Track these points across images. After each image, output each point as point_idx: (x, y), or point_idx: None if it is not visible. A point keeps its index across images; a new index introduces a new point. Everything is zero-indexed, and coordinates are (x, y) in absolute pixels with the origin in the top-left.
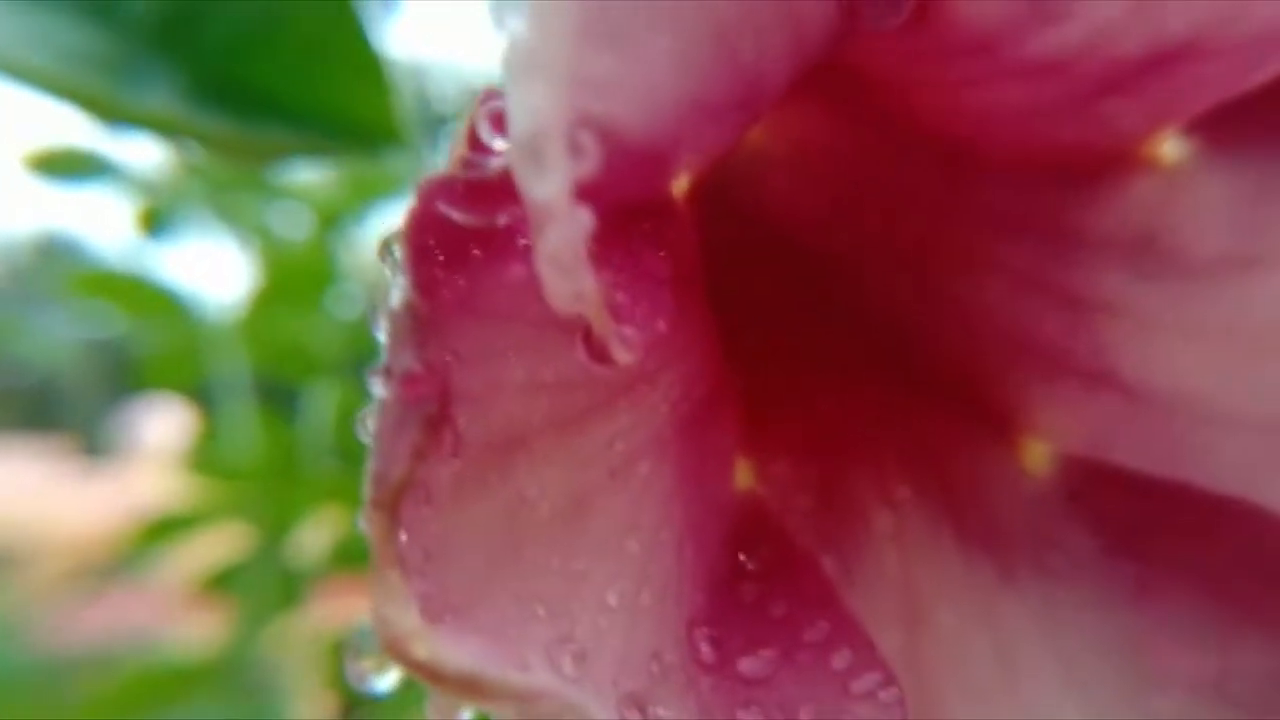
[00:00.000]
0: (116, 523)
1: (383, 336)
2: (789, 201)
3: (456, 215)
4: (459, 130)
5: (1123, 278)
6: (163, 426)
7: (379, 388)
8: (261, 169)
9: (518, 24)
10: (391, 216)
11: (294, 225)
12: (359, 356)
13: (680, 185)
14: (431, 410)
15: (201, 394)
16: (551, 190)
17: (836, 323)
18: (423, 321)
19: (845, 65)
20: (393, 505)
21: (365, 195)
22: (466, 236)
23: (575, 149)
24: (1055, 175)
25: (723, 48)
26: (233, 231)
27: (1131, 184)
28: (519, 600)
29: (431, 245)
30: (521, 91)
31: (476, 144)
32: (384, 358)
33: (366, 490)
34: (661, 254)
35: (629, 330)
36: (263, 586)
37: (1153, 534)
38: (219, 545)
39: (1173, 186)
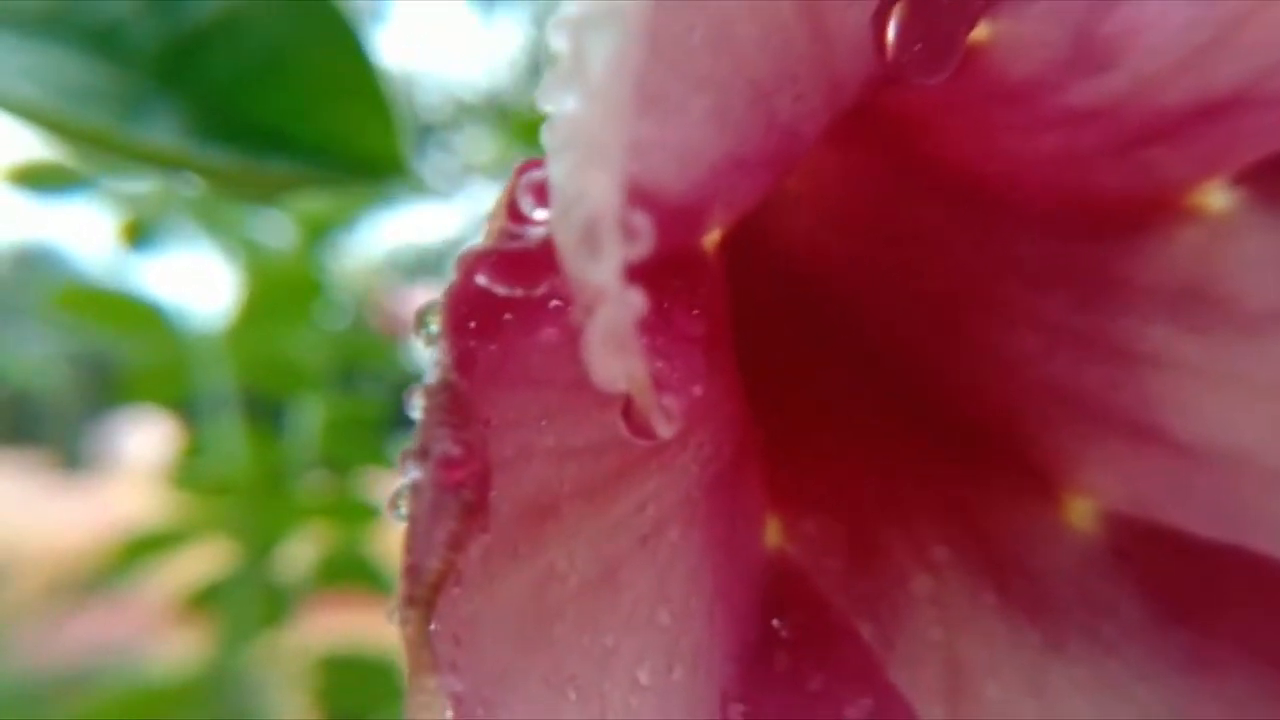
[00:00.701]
0: (97, 538)
1: (417, 414)
2: (816, 245)
3: (498, 288)
4: (498, 201)
5: (1169, 329)
6: (146, 440)
7: (413, 470)
8: (268, 202)
9: (572, 103)
10: (377, 228)
11: (280, 237)
12: (346, 369)
13: (712, 239)
14: (469, 497)
15: (186, 408)
16: (604, 274)
17: (865, 373)
18: (462, 401)
19: (876, 108)
20: (429, 601)
21: (351, 207)
22: (502, 305)
23: (629, 232)
24: (1095, 223)
25: (760, 106)
26: (218, 243)
27: (1177, 234)
28: (550, 684)
29: (469, 318)
30: (574, 173)
31: (517, 215)
32: (419, 437)
33: (400, 586)
34: (694, 312)
35: (670, 400)
36: (247, 603)
37: (1207, 600)
38: (203, 561)
39: (1220, 237)
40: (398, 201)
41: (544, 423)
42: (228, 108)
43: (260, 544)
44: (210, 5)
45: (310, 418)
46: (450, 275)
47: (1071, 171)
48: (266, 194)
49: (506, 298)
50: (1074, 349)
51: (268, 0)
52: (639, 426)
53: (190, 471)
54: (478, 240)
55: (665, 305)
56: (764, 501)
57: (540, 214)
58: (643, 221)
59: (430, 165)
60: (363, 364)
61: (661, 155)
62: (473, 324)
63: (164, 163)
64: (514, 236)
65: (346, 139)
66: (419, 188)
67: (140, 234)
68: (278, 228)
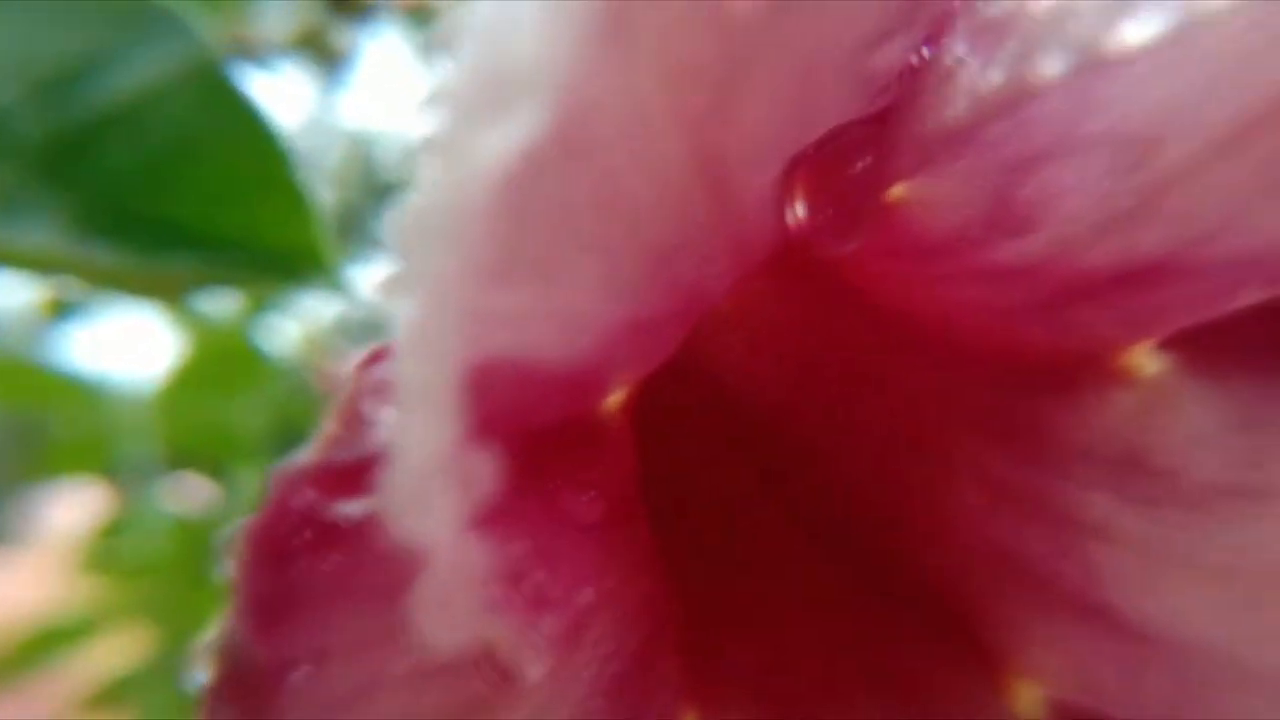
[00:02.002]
0: (9, 621)
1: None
2: (749, 375)
3: (325, 506)
4: (336, 402)
5: (1111, 499)
6: (73, 513)
7: None
8: (171, 300)
9: (409, 308)
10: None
11: (220, 301)
12: (289, 436)
13: (614, 400)
14: None
15: (113, 478)
16: (436, 527)
17: (802, 523)
18: (253, 676)
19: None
20: None
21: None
22: (330, 525)
23: (467, 478)
24: (1032, 375)
25: (659, 269)
26: (153, 309)
27: (1111, 396)
28: None
29: (288, 540)
30: (403, 416)
31: (354, 419)
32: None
33: None
34: (587, 494)
35: (549, 622)
36: (163, 695)
37: None
38: (118, 649)
39: (1154, 403)
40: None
41: (391, 647)
42: (123, 202)
43: (180, 631)
44: (108, 94)
45: (247, 487)
46: (265, 498)
47: (1002, 322)
48: (168, 294)
49: (334, 515)
50: (1017, 510)
51: (171, 88)
52: (498, 675)
53: (107, 553)
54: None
55: (552, 491)
56: (679, 694)
57: (381, 416)
58: (486, 463)
59: (388, 223)
60: (306, 431)
61: (543, 325)
62: (293, 545)
63: (44, 266)
64: (346, 444)
65: (257, 234)
66: (338, 285)
67: (62, 309)
68: (217, 294)
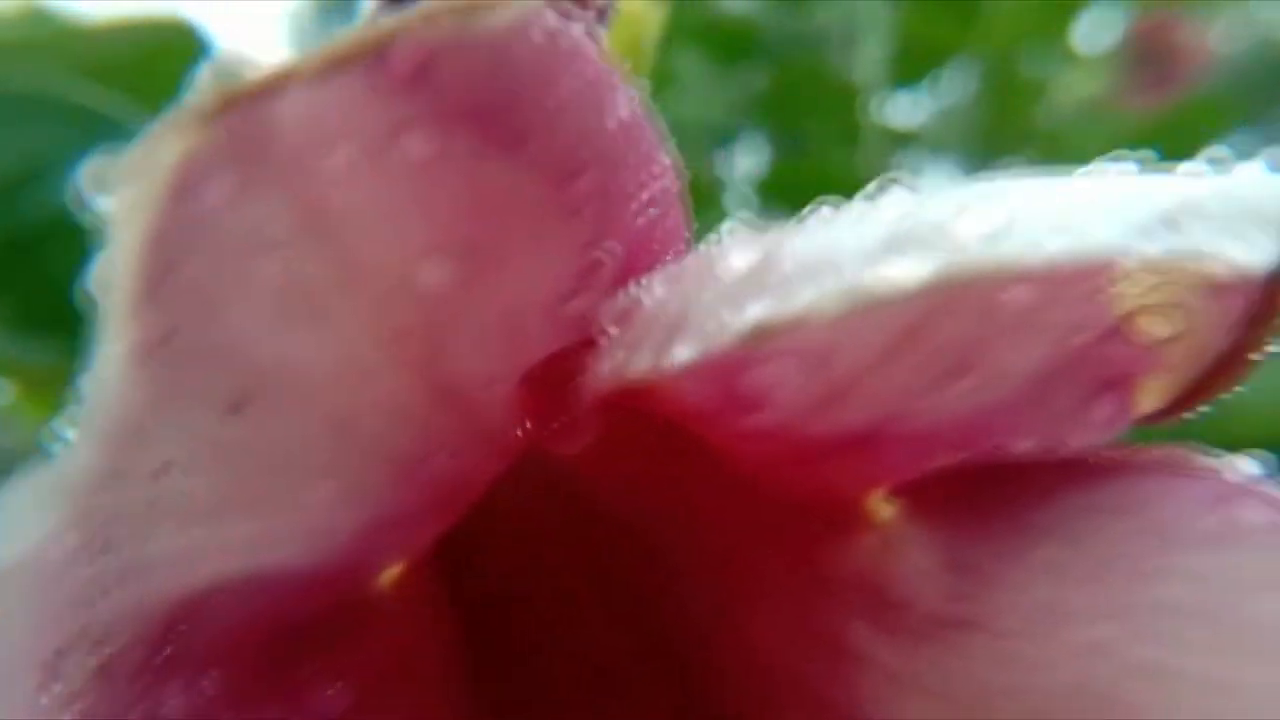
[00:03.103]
0: None
1: None
2: (578, 504)
3: None
4: None
5: (867, 628)
6: None
7: None
8: None
9: None
10: None
11: None
12: None
13: (389, 576)
14: None
15: None
16: None
17: (618, 639)
18: None
19: None
20: None
21: None
22: None
23: None
24: (808, 516)
25: (405, 479)
26: None
27: (858, 536)
28: None
29: None
30: None
31: None
32: None
33: None
34: (334, 685)
35: None
36: None
37: None
38: None
39: (888, 543)
40: None
41: None
42: (62, 305)
43: None
44: (51, 201)
45: None
46: None
47: (773, 470)
48: None
49: None
50: (800, 637)
51: None
52: None
53: None
54: None
55: (298, 689)
56: None
57: None
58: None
59: None
60: None
61: (280, 544)
62: None
63: None
64: None
65: None
66: None
67: None
68: None
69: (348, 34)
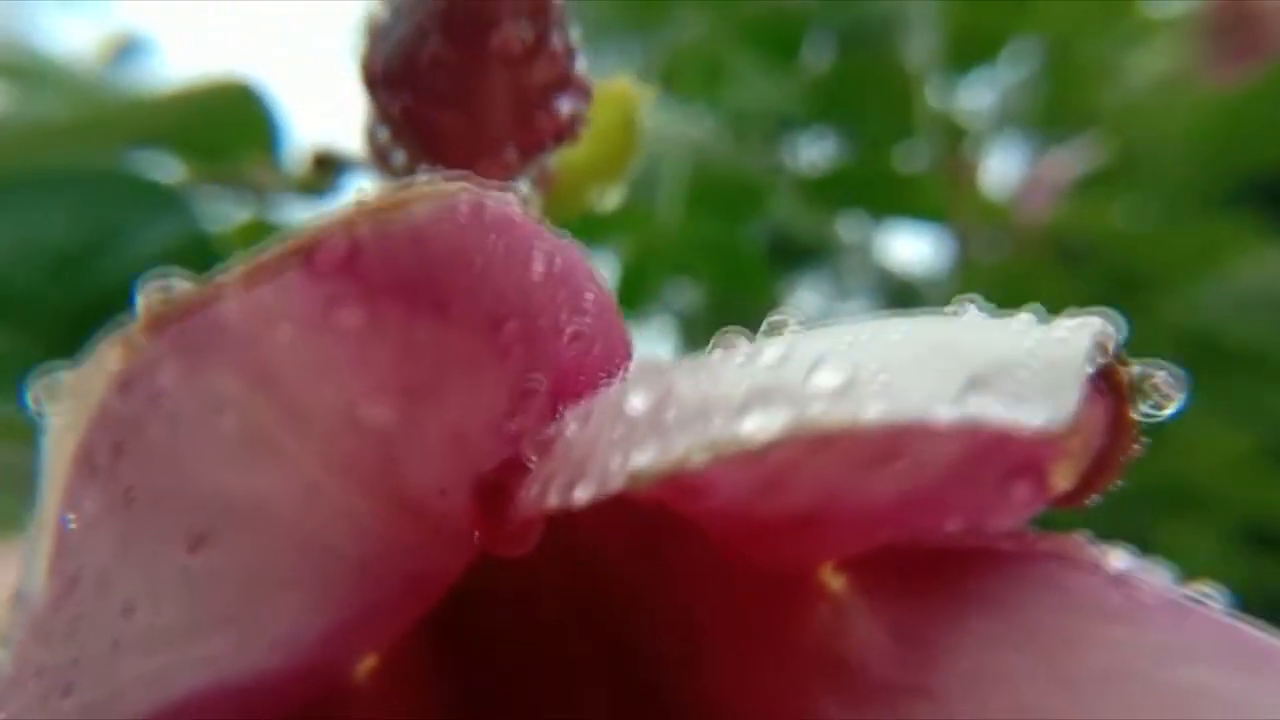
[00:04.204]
0: None
1: None
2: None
3: None
4: None
5: (824, 693)
6: None
7: None
8: None
9: None
10: None
11: None
12: None
13: (366, 666)
14: None
15: None
16: None
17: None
18: None
19: None
20: None
21: None
22: None
23: None
24: (772, 585)
25: (372, 581)
26: None
27: (815, 606)
28: None
29: None
30: None
31: None
32: None
33: None
34: None
35: None
36: None
37: None
38: None
39: (841, 613)
40: None
41: None
42: None
43: None
44: (116, 269)
45: None
46: None
47: (734, 544)
48: None
49: None
50: (773, 704)
51: (171, 260)
52: None
53: None
54: None
55: None
56: None
57: None
58: None
59: None
60: None
61: (249, 654)
62: None
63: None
64: None
65: None
66: None
67: None
68: None
69: (281, 241)
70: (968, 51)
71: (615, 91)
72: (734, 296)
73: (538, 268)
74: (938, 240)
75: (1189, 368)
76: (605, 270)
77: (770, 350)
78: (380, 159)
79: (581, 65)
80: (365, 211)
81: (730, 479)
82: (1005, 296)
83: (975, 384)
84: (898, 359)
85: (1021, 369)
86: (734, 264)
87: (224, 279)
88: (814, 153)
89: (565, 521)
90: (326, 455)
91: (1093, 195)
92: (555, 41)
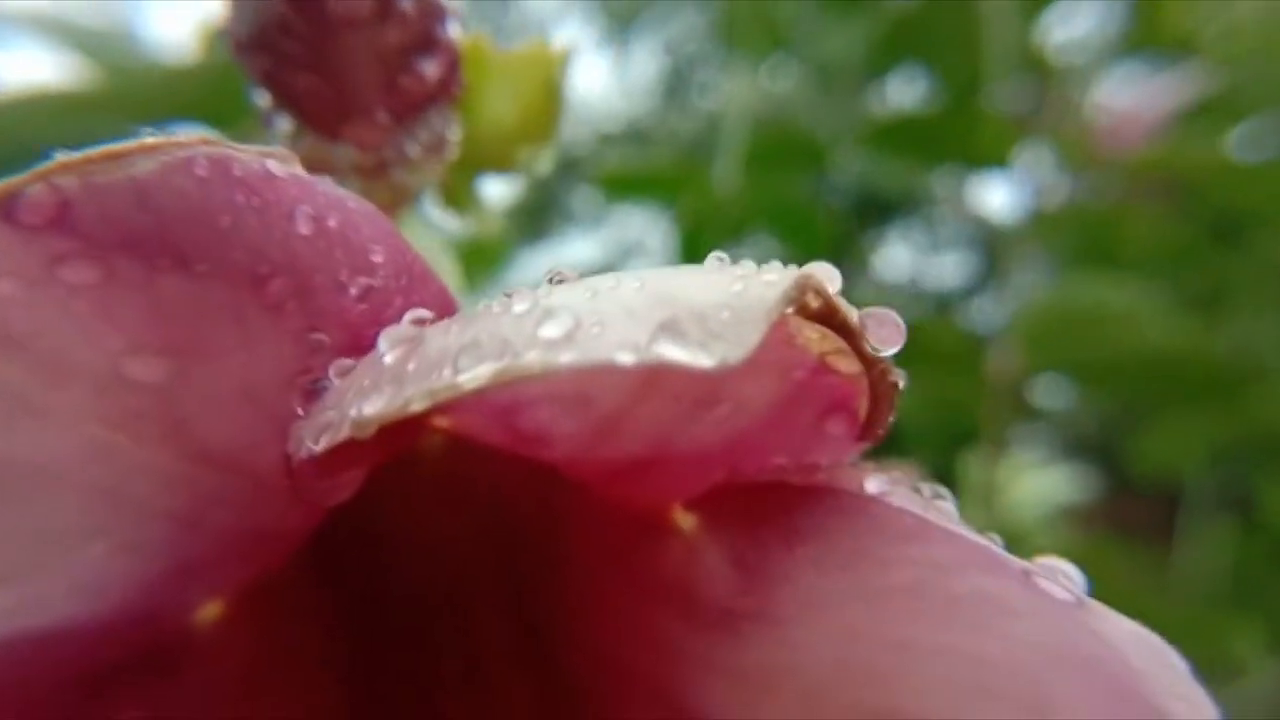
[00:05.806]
0: None
1: None
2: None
3: None
4: None
5: (680, 624)
6: None
7: None
8: None
9: None
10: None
11: None
12: None
13: (210, 611)
14: None
15: None
16: None
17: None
18: None
19: None
20: None
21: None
22: None
23: None
24: (633, 524)
25: (189, 533)
26: None
27: (669, 543)
28: None
29: None
30: None
31: None
32: None
33: None
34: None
35: None
36: None
37: None
38: None
39: (689, 548)
40: None
41: None
42: None
43: None
44: None
45: None
46: None
47: (594, 487)
48: None
49: None
50: (644, 636)
51: None
52: None
53: None
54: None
55: None
56: None
57: None
58: None
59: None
60: None
61: (52, 601)
62: None
63: None
64: None
65: None
66: None
67: None
68: None
69: None
70: None
71: (533, 53)
72: (811, 255)
73: (302, 226)
74: (1025, 185)
75: None
76: (667, 233)
77: (519, 303)
78: (265, 123)
79: (449, 27)
80: (70, 164)
81: (563, 428)
82: (1091, 241)
83: (665, 329)
84: (617, 310)
85: (719, 314)
86: (797, 222)
87: None
88: (900, 98)
89: (455, 473)
90: (103, 413)
91: (1193, 129)
92: (405, 4)
